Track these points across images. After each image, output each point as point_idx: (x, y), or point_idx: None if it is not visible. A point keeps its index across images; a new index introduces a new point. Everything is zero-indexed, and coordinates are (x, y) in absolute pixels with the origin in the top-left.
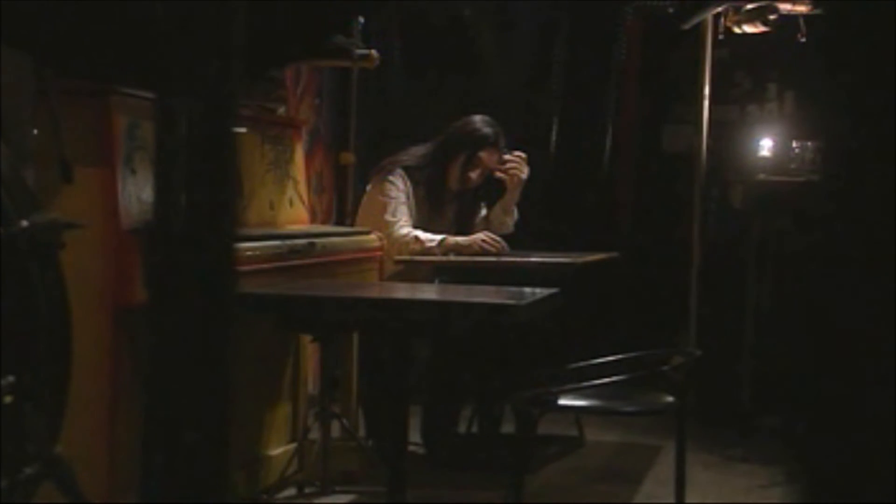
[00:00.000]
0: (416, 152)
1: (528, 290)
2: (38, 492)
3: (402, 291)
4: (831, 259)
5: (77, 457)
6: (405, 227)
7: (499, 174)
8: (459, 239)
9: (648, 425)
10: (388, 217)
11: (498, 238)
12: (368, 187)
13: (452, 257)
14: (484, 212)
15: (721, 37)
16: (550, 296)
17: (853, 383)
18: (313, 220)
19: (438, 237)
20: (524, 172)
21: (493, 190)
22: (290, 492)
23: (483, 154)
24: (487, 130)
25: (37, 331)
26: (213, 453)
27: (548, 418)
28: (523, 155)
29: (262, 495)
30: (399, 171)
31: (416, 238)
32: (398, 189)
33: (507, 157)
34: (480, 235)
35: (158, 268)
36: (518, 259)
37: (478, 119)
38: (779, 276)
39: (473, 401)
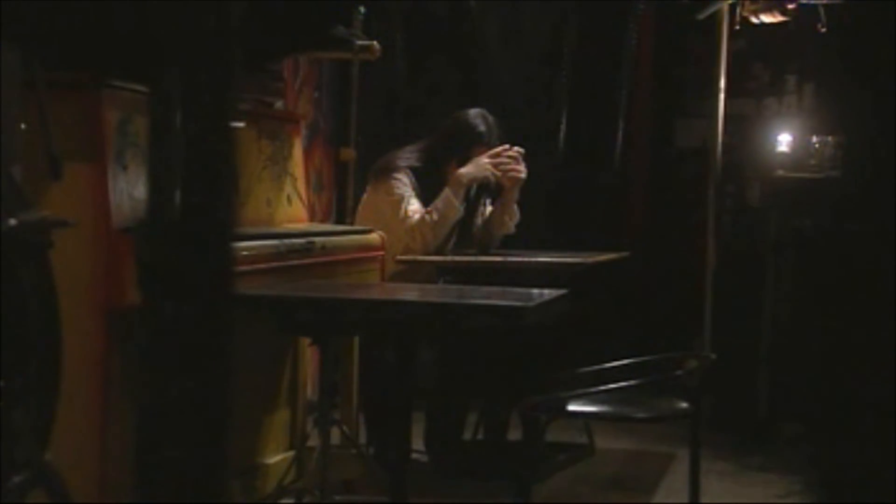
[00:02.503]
0: (411, 151)
1: (535, 291)
2: (28, 500)
3: (405, 292)
4: (852, 258)
5: (67, 464)
6: (415, 214)
7: (497, 176)
8: (462, 171)
9: (661, 432)
10: (401, 215)
11: (504, 153)
12: (368, 188)
13: (468, 252)
14: (489, 209)
15: (737, 27)
16: (559, 297)
17: (875, 388)
18: (312, 218)
19: (442, 197)
20: (521, 171)
21: (494, 187)
22: (288, 501)
23: (475, 153)
24: (480, 129)
25: (25, 333)
26: (210, 461)
27: (556, 425)
28: (519, 151)
29: None
30: (404, 168)
31: (425, 212)
32: (405, 184)
33: (501, 156)
34: (484, 158)
35: (152, 268)
36: (525, 259)
37: (470, 115)
38: (797, 276)
39: (479, 406)
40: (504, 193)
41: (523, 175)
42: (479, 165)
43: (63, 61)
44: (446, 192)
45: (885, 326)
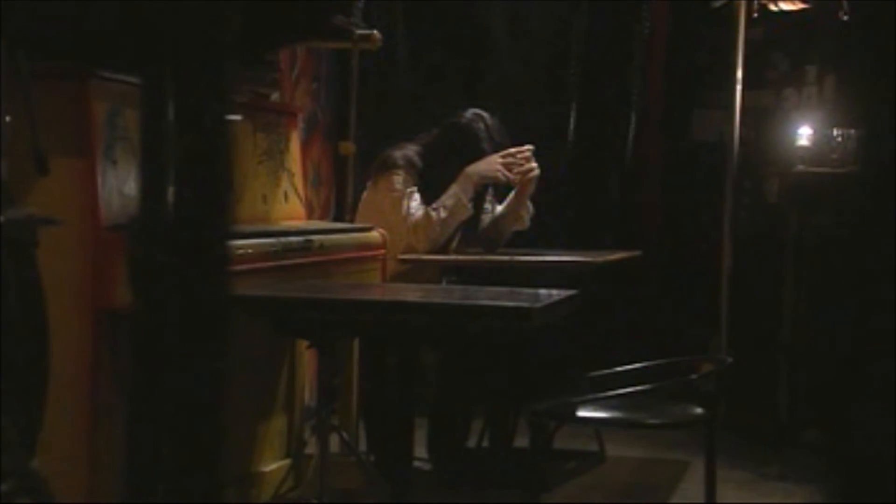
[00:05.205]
0: (412, 147)
1: (544, 291)
2: None
3: (407, 293)
4: (874, 257)
5: (54, 472)
6: (419, 210)
7: (507, 177)
8: (472, 169)
9: (675, 439)
10: (404, 211)
11: (518, 154)
12: (368, 184)
13: (475, 246)
14: (497, 207)
15: (755, 15)
16: (568, 298)
17: None
18: (310, 215)
19: (450, 194)
20: (534, 170)
21: (502, 186)
22: None
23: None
24: (482, 145)
25: (11, 336)
26: (204, 470)
27: (565, 431)
28: (527, 151)
29: None
30: (405, 164)
31: (432, 209)
32: (406, 180)
33: (511, 160)
34: (496, 158)
35: (143, 268)
36: (533, 258)
37: (471, 124)
38: (818, 276)
39: (484, 412)
40: (519, 189)
41: (536, 173)
42: (490, 164)
43: (49, 51)
44: (455, 189)
45: None
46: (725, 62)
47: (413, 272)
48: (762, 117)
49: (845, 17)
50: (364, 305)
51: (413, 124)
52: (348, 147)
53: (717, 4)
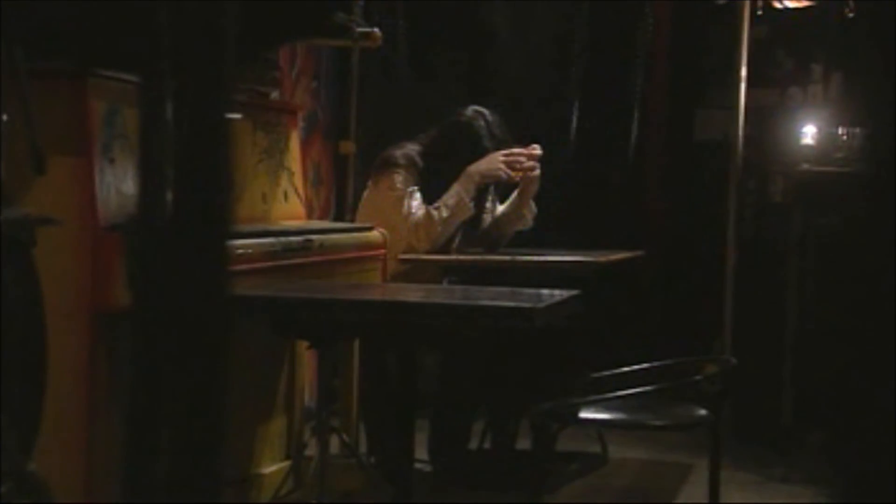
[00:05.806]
0: (413, 146)
1: (546, 291)
2: None
3: (408, 293)
4: (879, 257)
5: (52, 474)
6: (420, 210)
7: (509, 175)
8: (474, 168)
9: (679, 441)
10: (405, 210)
11: (521, 155)
12: (369, 183)
13: (471, 249)
14: (499, 207)
15: (760, 12)
16: (571, 298)
17: None
18: (310, 215)
19: (452, 193)
20: (536, 168)
21: (501, 184)
22: None
23: (477, 159)
24: (484, 143)
25: (8, 337)
26: (204, 473)
27: (567, 433)
28: (534, 152)
29: None
30: (406, 163)
31: (433, 207)
32: (407, 179)
33: (512, 159)
34: (497, 156)
35: (142, 268)
36: (535, 258)
37: (472, 123)
38: (823, 276)
39: (486, 413)
40: (522, 189)
41: (538, 172)
42: (492, 162)
43: (48, 50)
44: (456, 188)
45: None
46: (729, 60)
47: (414, 272)
48: (766, 116)
49: (851, 15)
50: (364, 305)
51: (414, 123)
52: (348, 146)
53: (721, 2)
